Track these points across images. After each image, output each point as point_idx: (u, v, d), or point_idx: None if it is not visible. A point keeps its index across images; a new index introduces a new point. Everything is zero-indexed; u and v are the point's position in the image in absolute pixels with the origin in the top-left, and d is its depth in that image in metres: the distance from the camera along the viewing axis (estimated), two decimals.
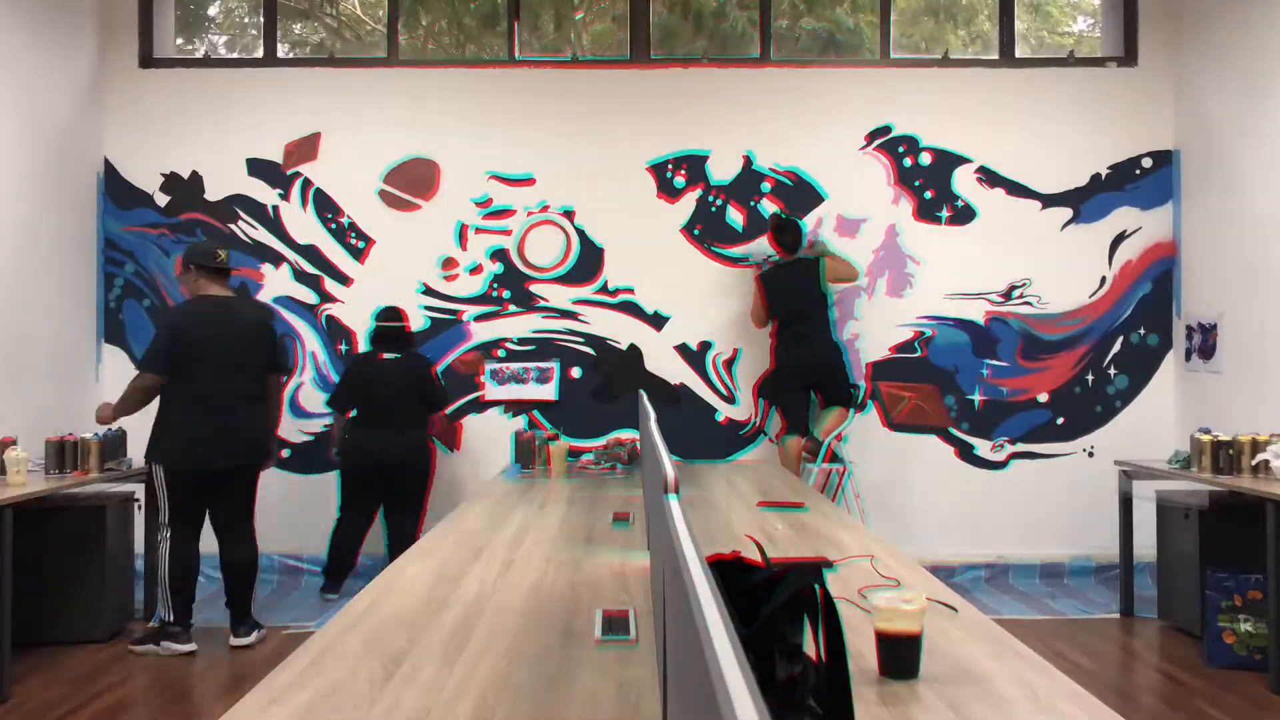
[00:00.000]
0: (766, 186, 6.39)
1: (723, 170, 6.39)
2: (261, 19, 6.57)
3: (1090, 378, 6.34)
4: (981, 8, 6.70)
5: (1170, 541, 5.19)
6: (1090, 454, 6.31)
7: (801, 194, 6.39)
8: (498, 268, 6.39)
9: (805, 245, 6.11)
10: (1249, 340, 5.65)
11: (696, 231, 6.39)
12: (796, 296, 5.94)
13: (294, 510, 6.27)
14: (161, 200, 6.39)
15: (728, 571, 1.53)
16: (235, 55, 6.74)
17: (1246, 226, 5.65)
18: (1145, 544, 5.53)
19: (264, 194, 6.39)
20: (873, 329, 6.36)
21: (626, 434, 5.98)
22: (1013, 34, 6.49)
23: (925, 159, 6.39)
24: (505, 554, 2.84)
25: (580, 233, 6.39)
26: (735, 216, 6.39)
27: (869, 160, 6.40)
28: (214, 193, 6.38)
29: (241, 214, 6.38)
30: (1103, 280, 6.36)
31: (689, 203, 6.40)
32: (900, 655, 1.71)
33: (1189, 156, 6.25)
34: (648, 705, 1.61)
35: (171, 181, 6.39)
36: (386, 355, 5.70)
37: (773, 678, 1.44)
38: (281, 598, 5.85)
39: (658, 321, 6.38)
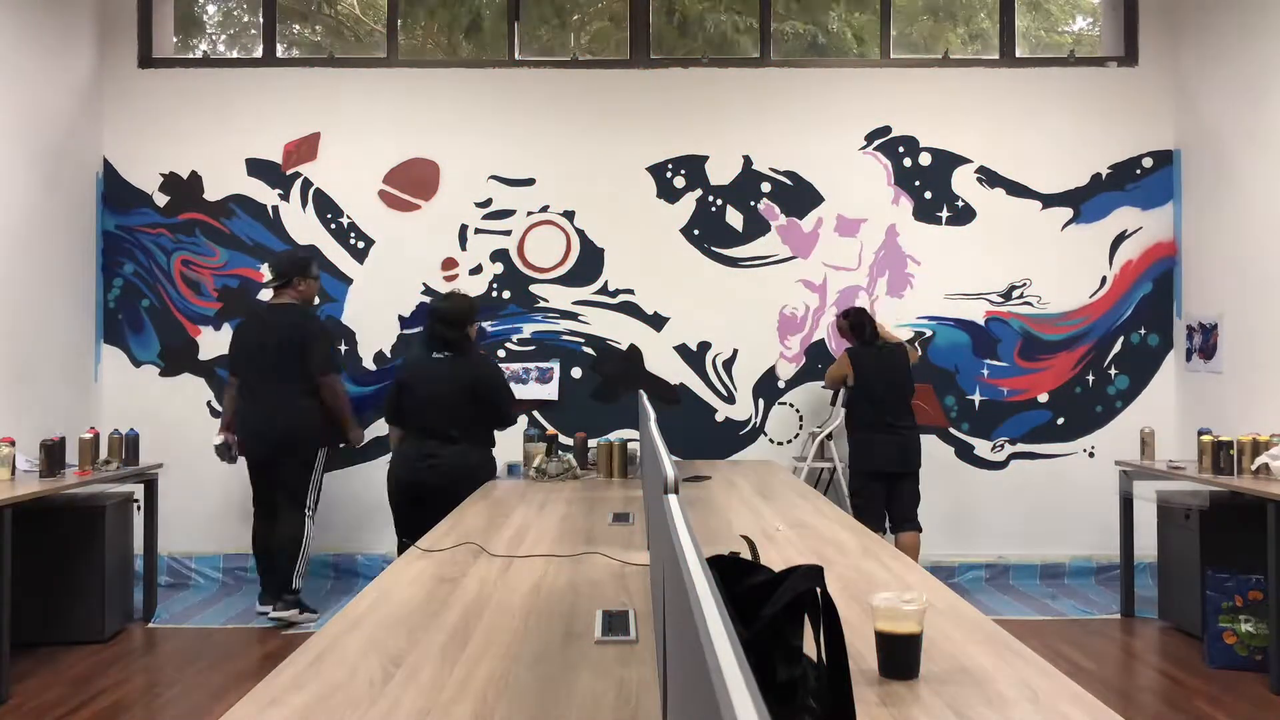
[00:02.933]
0: (766, 188, 6.39)
1: (722, 172, 6.39)
2: (261, 19, 6.57)
3: (1090, 378, 6.34)
4: (980, 6, 6.70)
5: (1171, 542, 5.19)
6: (1090, 454, 6.31)
7: (801, 195, 6.39)
8: (499, 269, 6.39)
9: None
10: (1249, 340, 5.65)
11: (696, 233, 6.39)
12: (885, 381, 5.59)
13: None
14: (161, 200, 6.39)
15: (728, 572, 1.53)
16: (235, 55, 6.73)
17: (1246, 226, 5.66)
18: (1146, 544, 5.53)
19: (264, 194, 6.39)
20: None
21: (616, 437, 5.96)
22: (1013, 34, 6.49)
23: (924, 159, 6.39)
24: (505, 554, 2.83)
25: (580, 234, 6.39)
26: (734, 218, 6.39)
27: (868, 161, 6.40)
28: (213, 193, 6.38)
29: (241, 214, 6.38)
30: (1103, 280, 6.36)
31: (688, 204, 6.40)
32: (900, 655, 1.70)
33: (1189, 156, 6.25)
34: (648, 705, 1.61)
35: (171, 181, 6.39)
36: (436, 355, 4.72)
37: (773, 679, 1.44)
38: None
39: (657, 322, 6.38)
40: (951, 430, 6.35)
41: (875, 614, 1.72)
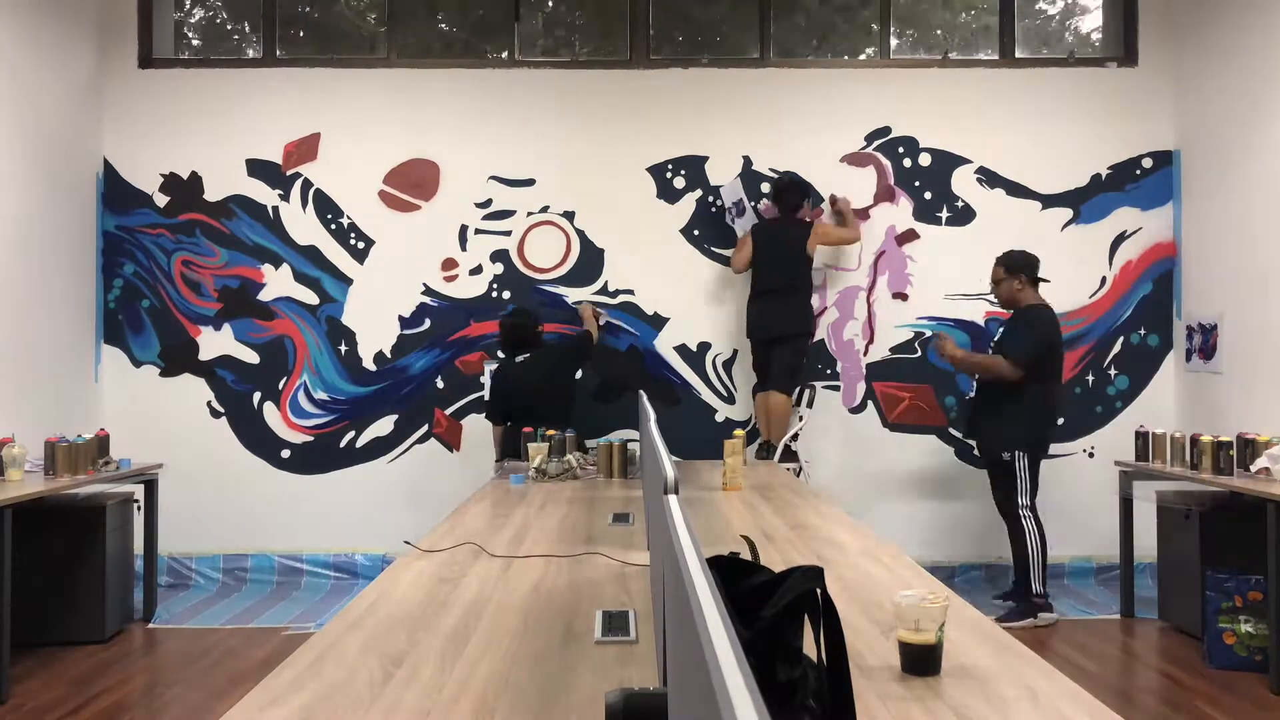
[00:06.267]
0: (766, 188, 6.39)
1: (722, 172, 6.39)
2: (261, 20, 6.57)
3: (1090, 378, 6.34)
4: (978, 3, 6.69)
5: (1170, 542, 5.19)
6: (1090, 454, 6.31)
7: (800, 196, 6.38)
8: (499, 269, 6.39)
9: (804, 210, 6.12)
10: (1249, 340, 5.65)
11: (696, 233, 6.39)
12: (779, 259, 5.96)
13: (293, 510, 6.28)
14: (161, 201, 6.39)
15: (728, 572, 1.53)
16: (235, 55, 6.73)
17: (1246, 226, 5.66)
18: (1145, 545, 5.53)
19: (264, 194, 6.39)
20: (872, 329, 6.35)
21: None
22: (1013, 34, 6.49)
23: (924, 159, 6.39)
24: (505, 554, 2.83)
25: (580, 234, 6.39)
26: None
27: (868, 161, 6.40)
28: (213, 193, 6.38)
29: (241, 214, 6.38)
30: (1103, 281, 6.36)
31: (688, 204, 6.40)
32: (920, 658, 1.72)
33: (1189, 156, 6.25)
34: None
35: (171, 182, 6.39)
36: (518, 358, 5.63)
37: (773, 680, 1.44)
38: (282, 598, 5.85)
39: (657, 322, 6.38)
40: (951, 430, 6.35)
41: (897, 613, 1.72)
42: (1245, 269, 5.66)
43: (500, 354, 5.95)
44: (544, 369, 5.62)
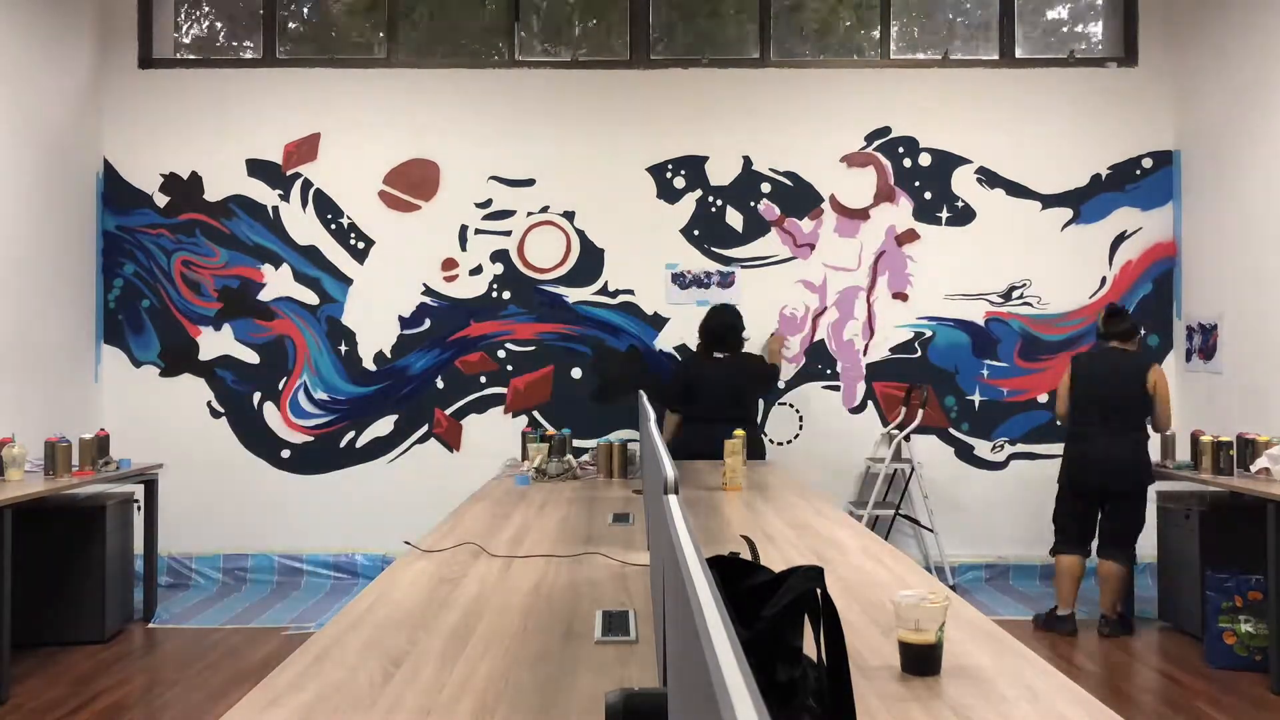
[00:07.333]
0: (765, 188, 6.39)
1: (722, 172, 6.39)
2: (261, 20, 6.57)
3: None
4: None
5: (1171, 542, 5.19)
6: None
7: (801, 195, 6.39)
8: (499, 269, 6.39)
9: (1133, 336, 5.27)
10: (1249, 340, 5.65)
11: (696, 233, 6.39)
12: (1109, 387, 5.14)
13: (293, 510, 6.28)
14: (161, 201, 6.39)
15: (728, 572, 1.53)
16: (235, 56, 6.73)
17: (1246, 226, 5.66)
18: (1146, 545, 5.53)
19: (264, 195, 6.39)
20: (872, 329, 6.36)
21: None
22: (1013, 34, 6.49)
23: (924, 159, 6.40)
24: (505, 554, 2.83)
25: (580, 234, 6.39)
26: (734, 218, 6.39)
27: (868, 161, 6.40)
28: (213, 193, 6.38)
29: (241, 214, 6.38)
30: (1103, 281, 6.36)
31: (688, 204, 6.40)
32: (920, 658, 1.72)
33: (1189, 157, 6.25)
34: None
35: (171, 182, 6.39)
36: (717, 354, 5.65)
37: (773, 680, 1.44)
38: (282, 598, 5.85)
39: (657, 323, 6.38)
40: (951, 430, 6.35)
41: (897, 612, 1.72)
42: (1245, 269, 5.66)
43: (697, 348, 5.83)
44: (746, 373, 5.65)
